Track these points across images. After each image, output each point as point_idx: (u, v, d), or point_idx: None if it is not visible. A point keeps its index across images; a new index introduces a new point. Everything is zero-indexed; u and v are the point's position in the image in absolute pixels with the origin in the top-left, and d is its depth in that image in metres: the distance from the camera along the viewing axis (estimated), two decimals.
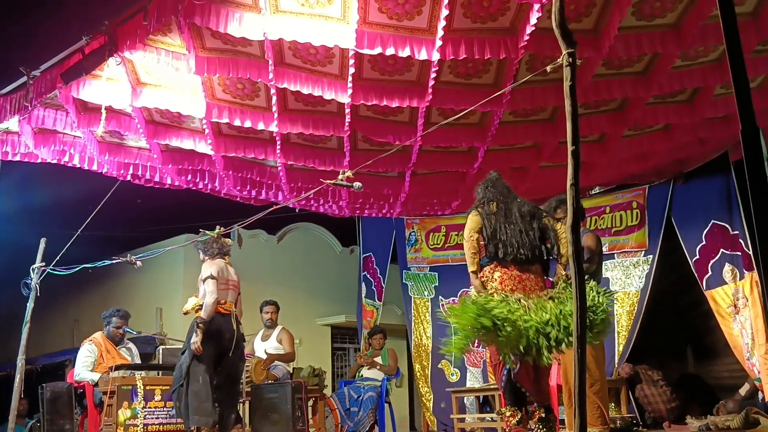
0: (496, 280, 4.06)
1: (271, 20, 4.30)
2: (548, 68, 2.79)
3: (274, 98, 5.27)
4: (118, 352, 6.15)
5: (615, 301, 7.17)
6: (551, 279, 4.20)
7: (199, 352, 5.00)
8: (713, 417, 5.95)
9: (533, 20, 4.15)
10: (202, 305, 5.11)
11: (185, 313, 5.26)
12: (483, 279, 4.11)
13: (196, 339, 5.04)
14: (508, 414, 4.14)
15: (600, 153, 6.44)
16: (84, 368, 5.91)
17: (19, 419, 8.26)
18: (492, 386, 6.97)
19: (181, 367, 5.05)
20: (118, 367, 5.64)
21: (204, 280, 5.16)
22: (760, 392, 6.13)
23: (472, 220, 4.21)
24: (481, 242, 4.17)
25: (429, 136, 5.56)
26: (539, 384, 4.12)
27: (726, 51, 2.00)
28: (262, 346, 6.91)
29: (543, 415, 4.11)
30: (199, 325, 5.03)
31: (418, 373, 8.51)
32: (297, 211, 8.21)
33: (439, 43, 4.39)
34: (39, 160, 6.23)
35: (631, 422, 6.35)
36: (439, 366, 8.41)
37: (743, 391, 6.40)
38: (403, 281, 8.76)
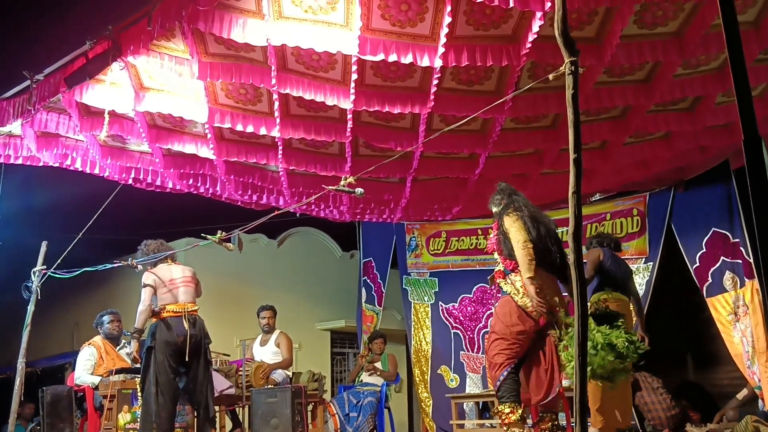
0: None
1: (275, 26, 4.32)
2: (551, 76, 2.81)
3: (277, 104, 5.28)
4: (117, 354, 6.16)
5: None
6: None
7: (137, 362, 5.10)
8: (713, 425, 5.95)
9: (535, 28, 4.16)
10: (154, 311, 5.15)
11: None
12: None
13: (131, 350, 5.19)
14: (507, 411, 4.05)
15: (601, 160, 6.45)
16: (84, 371, 5.92)
17: (24, 422, 8.30)
18: (492, 392, 6.96)
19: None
20: (118, 371, 5.65)
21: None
22: (760, 400, 6.12)
23: (520, 227, 4.10)
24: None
25: (430, 143, 5.57)
26: (551, 389, 4.09)
27: (728, 59, 2.01)
28: (261, 351, 6.91)
29: (554, 422, 4.09)
30: (133, 335, 5.10)
31: (417, 379, 8.50)
32: (298, 215, 8.21)
33: (441, 50, 4.41)
34: (41, 164, 6.24)
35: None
36: (439, 371, 8.41)
37: (740, 396, 6.40)
38: (403, 286, 8.75)
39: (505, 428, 4.09)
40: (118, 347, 6.29)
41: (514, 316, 4.10)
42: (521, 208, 4.21)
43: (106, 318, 6.26)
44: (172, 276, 5.28)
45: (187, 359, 5.07)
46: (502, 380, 4.11)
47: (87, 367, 5.95)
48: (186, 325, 5.11)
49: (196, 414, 5.29)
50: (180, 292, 5.25)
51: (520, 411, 4.05)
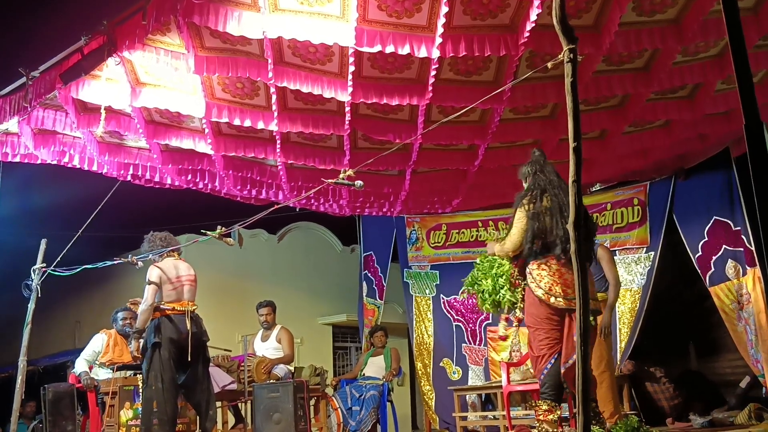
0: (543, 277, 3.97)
1: (270, 19, 4.29)
2: (549, 65, 2.78)
3: (274, 97, 5.26)
4: (127, 348, 6.22)
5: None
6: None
7: (137, 361, 5.16)
8: (716, 413, 5.95)
9: (533, 17, 4.13)
10: (157, 306, 5.11)
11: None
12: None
13: (132, 348, 5.17)
14: (545, 408, 3.90)
15: (600, 149, 6.43)
16: (83, 357, 6.08)
17: (27, 420, 8.37)
18: (494, 384, 6.96)
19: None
20: (120, 368, 5.66)
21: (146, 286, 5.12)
22: (763, 387, 6.12)
23: (519, 227, 4.03)
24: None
25: (429, 134, 5.54)
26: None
27: (727, 46, 1.99)
28: (262, 346, 6.91)
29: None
30: (134, 334, 5.09)
31: (419, 372, 8.51)
32: (297, 210, 8.20)
33: (438, 40, 4.38)
34: (39, 161, 6.23)
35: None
36: (441, 364, 8.40)
37: (743, 383, 6.39)
38: (404, 280, 8.74)
39: (537, 423, 3.97)
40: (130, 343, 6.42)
41: (537, 304, 3.99)
42: (533, 200, 4.04)
43: (120, 315, 6.40)
44: (178, 273, 5.24)
45: (189, 358, 5.07)
46: (546, 373, 3.95)
47: (88, 354, 6.10)
48: (188, 323, 5.11)
49: (196, 411, 5.30)
50: (185, 290, 5.23)
51: (558, 413, 3.90)
